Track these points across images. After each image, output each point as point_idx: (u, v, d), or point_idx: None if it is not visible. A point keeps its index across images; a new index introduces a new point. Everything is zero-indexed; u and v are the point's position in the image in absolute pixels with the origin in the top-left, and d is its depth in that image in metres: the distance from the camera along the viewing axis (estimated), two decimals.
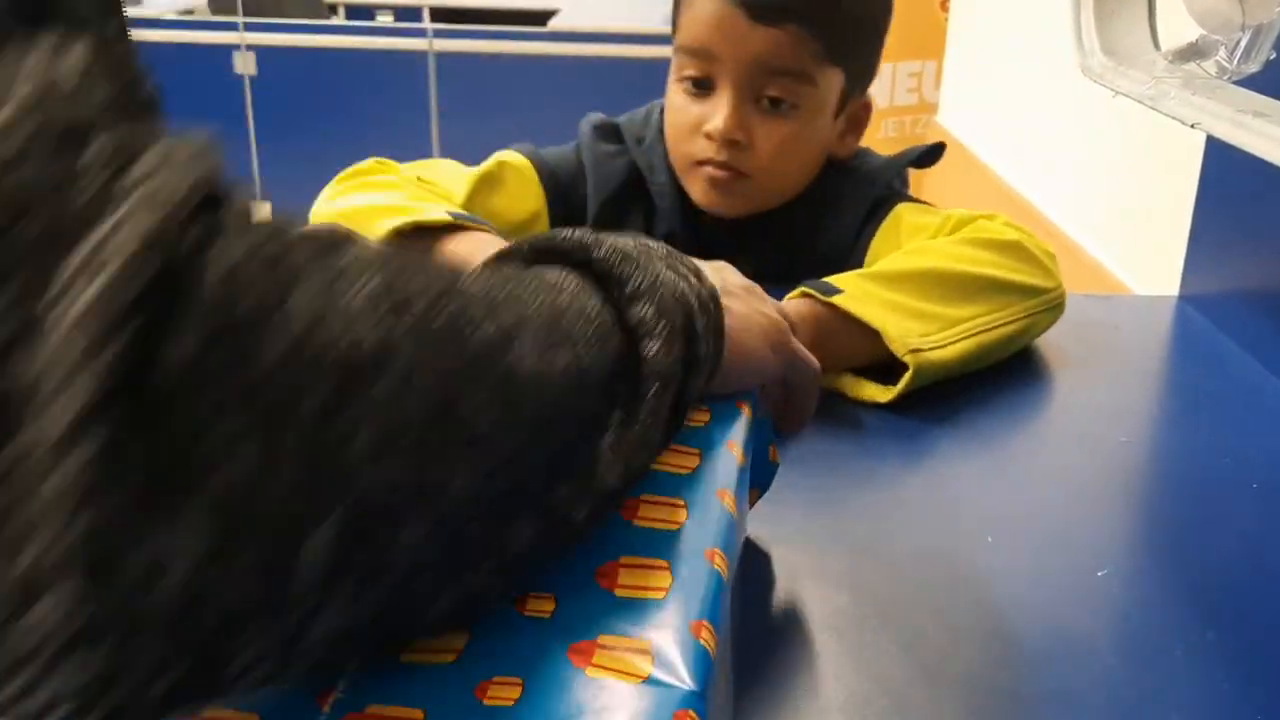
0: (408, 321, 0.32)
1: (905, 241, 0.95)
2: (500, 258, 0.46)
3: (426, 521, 0.32)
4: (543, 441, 0.37)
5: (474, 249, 0.84)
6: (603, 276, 0.44)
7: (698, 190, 1.00)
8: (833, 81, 0.97)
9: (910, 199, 1.02)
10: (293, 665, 0.31)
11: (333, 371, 0.29)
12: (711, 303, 0.49)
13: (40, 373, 0.25)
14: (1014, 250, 0.89)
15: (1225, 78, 0.67)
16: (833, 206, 1.01)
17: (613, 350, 0.41)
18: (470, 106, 3.91)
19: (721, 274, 0.55)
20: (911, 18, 3.14)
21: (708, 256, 1.01)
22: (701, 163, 0.98)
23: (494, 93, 3.88)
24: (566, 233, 0.45)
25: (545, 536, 0.38)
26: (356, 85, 3.90)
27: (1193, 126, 0.61)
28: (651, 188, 1.03)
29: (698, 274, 0.49)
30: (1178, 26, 0.77)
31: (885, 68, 3.20)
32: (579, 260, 0.44)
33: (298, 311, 0.29)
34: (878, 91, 3.21)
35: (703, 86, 0.97)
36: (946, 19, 2.63)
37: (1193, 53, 0.70)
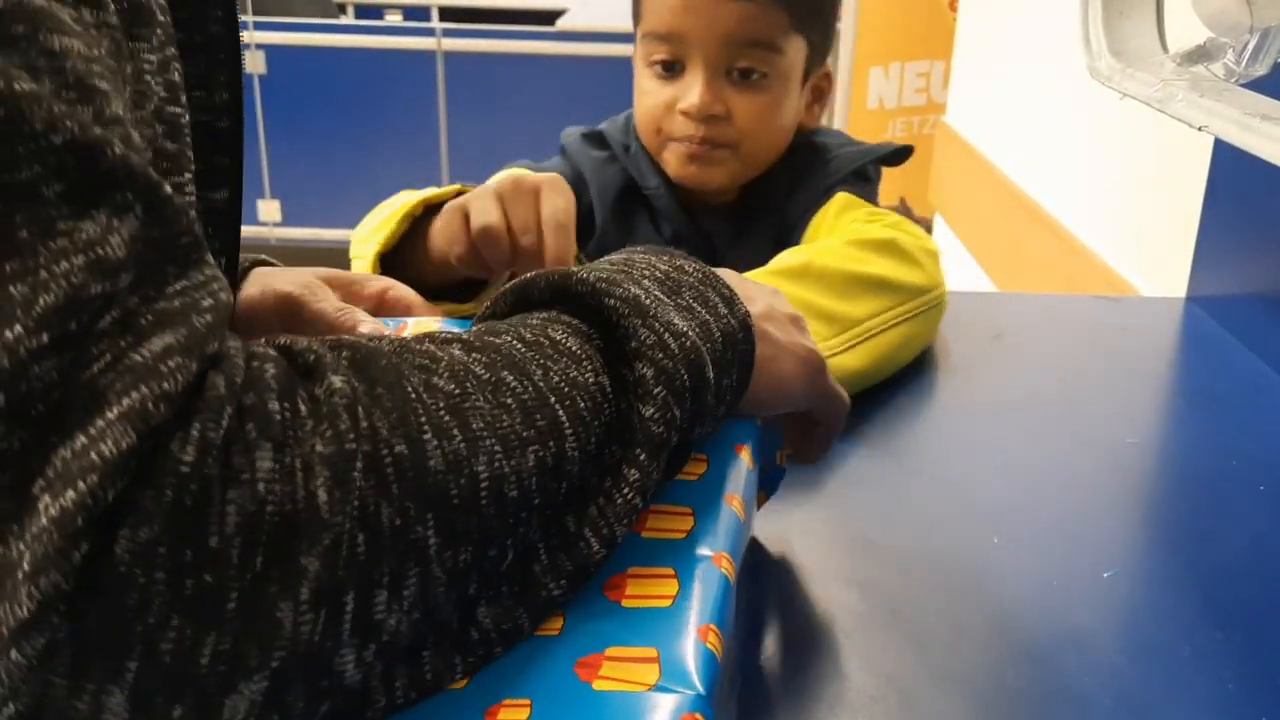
0: (357, 475, 0.33)
1: (830, 229, 0.97)
2: (516, 294, 0.46)
3: (368, 652, 0.34)
4: (507, 537, 0.38)
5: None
6: (610, 326, 0.44)
7: (674, 164, 1.01)
8: (798, 50, 1.00)
9: (860, 188, 1.03)
10: None
11: (275, 539, 0.31)
12: (741, 332, 0.49)
13: (21, 554, 0.28)
14: (889, 248, 0.89)
15: (1233, 80, 0.67)
16: (806, 188, 1.03)
17: (607, 416, 0.42)
18: (478, 105, 3.91)
19: (771, 300, 0.55)
20: (920, 18, 3.14)
21: (710, 251, 1.02)
22: (678, 139, 1.00)
23: (502, 92, 3.88)
24: (582, 274, 0.45)
25: (514, 617, 0.38)
26: (365, 84, 3.91)
27: (1200, 129, 0.62)
28: (646, 192, 1.05)
29: (730, 301, 0.49)
30: (1186, 29, 0.77)
31: (893, 67, 3.20)
32: (589, 304, 0.44)
33: (248, 487, 0.31)
34: (886, 92, 3.22)
35: (672, 69, 1.00)
36: (955, 19, 2.63)
37: (1200, 55, 0.70)
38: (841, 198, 0.99)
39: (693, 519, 0.44)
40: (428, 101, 3.92)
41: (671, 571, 0.41)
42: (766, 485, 0.59)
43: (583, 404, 0.41)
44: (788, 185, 1.04)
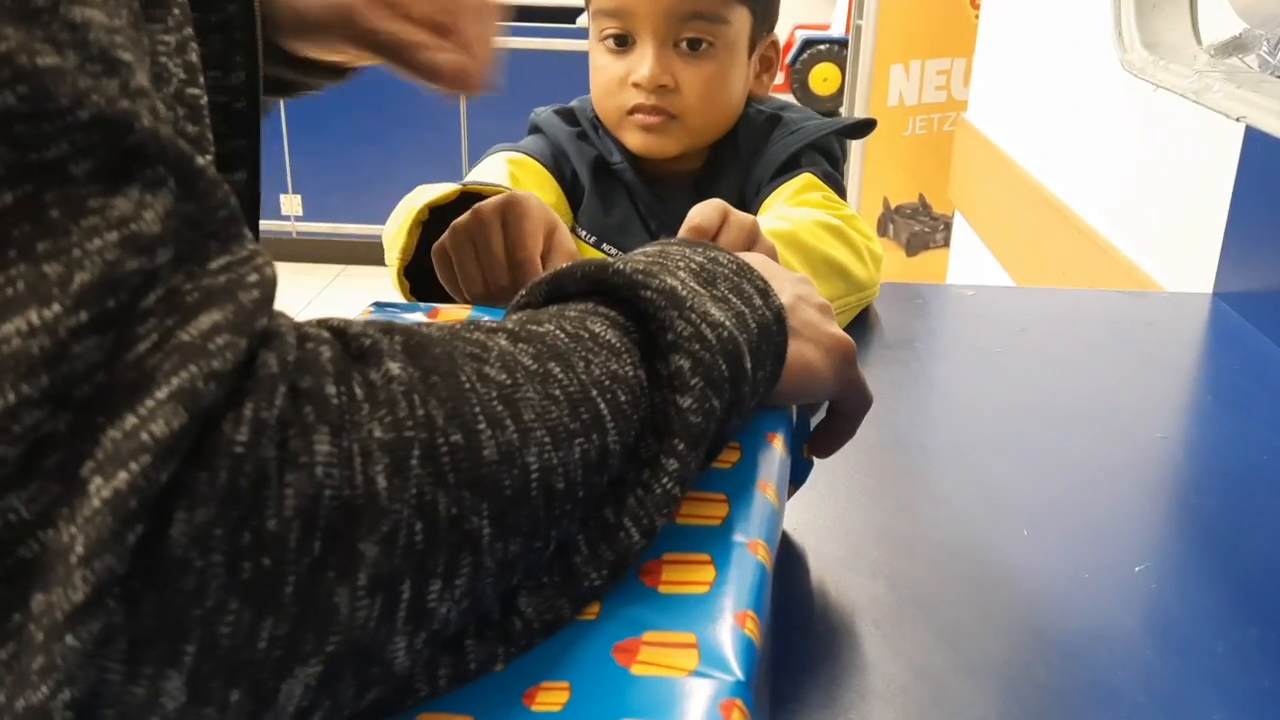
0: (417, 454, 0.33)
1: (785, 205, 0.99)
2: (552, 284, 0.46)
3: (419, 640, 0.34)
4: (552, 529, 0.38)
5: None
6: (646, 318, 0.43)
7: (633, 138, 1.05)
8: (742, 20, 1.04)
9: (825, 164, 1.04)
10: None
11: (333, 524, 0.30)
12: (775, 324, 0.48)
13: (74, 537, 0.27)
14: (844, 237, 0.92)
15: (1268, 72, 0.67)
16: (767, 159, 1.06)
17: (644, 410, 0.42)
18: (499, 102, 3.90)
19: (799, 289, 0.54)
20: (941, 16, 3.13)
21: (672, 223, 1.04)
22: (631, 111, 1.04)
23: (523, 88, 3.88)
24: (620, 265, 0.45)
25: (555, 607, 0.38)
26: (387, 80, 3.91)
27: (1238, 120, 0.61)
28: (614, 168, 1.09)
29: (764, 293, 0.49)
30: (1219, 21, 0.76)
31: (914, 65, 3.19)
32: (626, 296, 0.44)
33: (306, 471, 0.30)
34: (906, 90, 3.21)
35: (623, 43, 1.03)
36: (976, 16, 2.62)
37: (1235, 47, 0.70)
38: (805, 178, 1.01)
39: (728, 506, 0.44)
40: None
41: (708, 558, 0.41)
42: (795, 477, 0.59)
43: (623, 397, 0.40)
44: (749, 156, 1.07)
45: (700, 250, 0.50)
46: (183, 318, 0.29)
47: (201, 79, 0.38)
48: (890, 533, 0.65)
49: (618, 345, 0.42)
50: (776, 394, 0.51)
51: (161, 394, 0.28)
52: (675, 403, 0.42)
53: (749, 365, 0.45)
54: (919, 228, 3.25)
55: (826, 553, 0.63)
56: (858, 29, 3.28)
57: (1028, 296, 1.18)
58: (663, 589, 0.39)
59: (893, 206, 3.25)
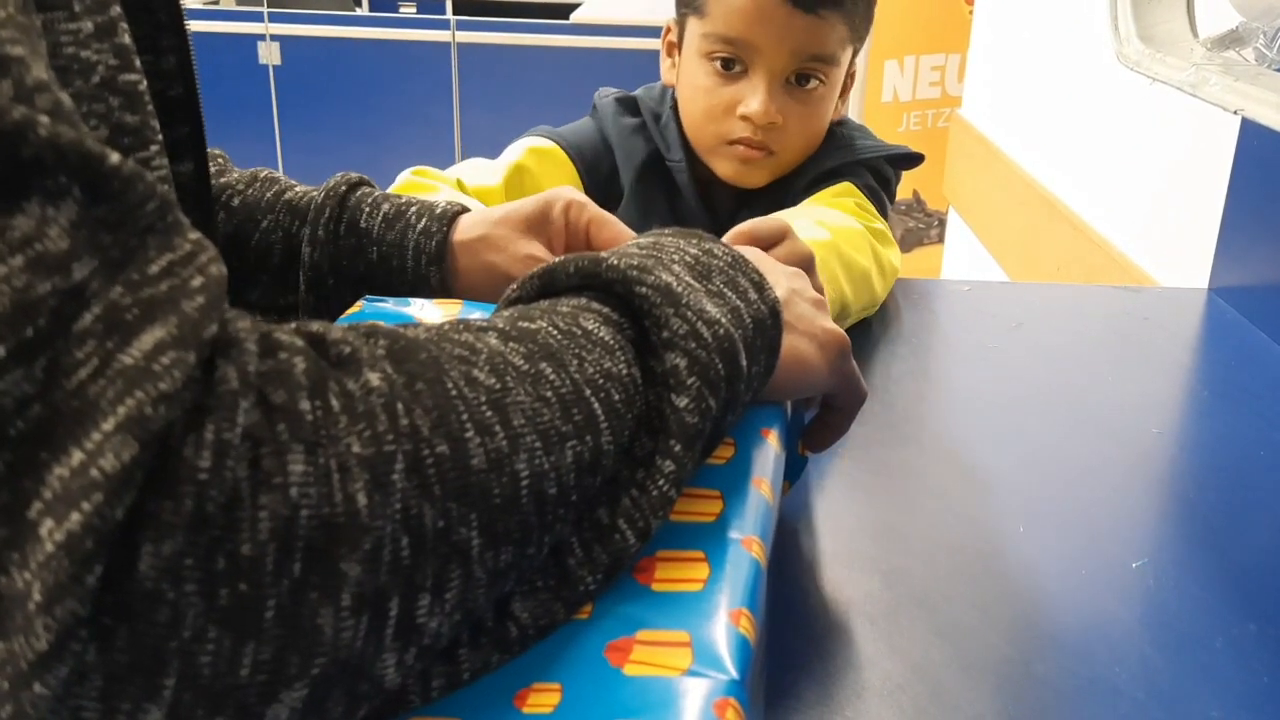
0: (400, 468, 0.31)
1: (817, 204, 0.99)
2: (544, 278, 0.45)
3: (409, 655, 0.33)
4: (545, 534, 0.37)
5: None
6: (640, 314, 0.43)
7: (727, 168, 1.04)
8: (849, 58, 1.03)
9: (868, 185, 1.04)
10: None
11: (312, 545, 0.29)
12: (770, 318, 0.48)
13: (29, 584, 0.26)
14: (873, 251, 0.92)
15: (1265, 65, 0.66)
16: (815, 171, 1.05)
17: (638, 408, 0.41)
18: (492, 98, 3.91)
19: (793, 283, 0.54)
20: (935, 12, 3.13)
21: (717, 225, 1.05)
22: (734, 142, 1.01)
23: (516, 84, 3.88)
24: (613, 260, 0.44)
25: (550, 611, 0.38)
26: (380, 75, 3.91)
27: (1235, 113, 0.61)
28: (669, 164, 1.07)
29: (760, 287, 0.48)
30: (1214, 14, 0.76)
31: (908, 60, 3.19)
32: (621, 292, 0.43)
33: (280, 491, 0.29)
34: (900, 86, 3.20)
35: (730, 67, 1.00)
36: (970, 12, 2.62)
37: (1232, 40, 0.69)
38: (843, 185, 1.01)
39: (722, 502, 0.43)
40: (442, 94, 3.92)
41: (702, 555, 0.40)
42: (790, 473, 0.58)
43: (617, 395, 0.40)
44: (801, 169, 1.06)
45: (695, 242, 0.49)
46: (122, 338, 0.27)
47: (136, 62, 0.36)
48: (886, 528, 0.65)
49: (611, 342, 0.41)
50: (771, 388, 0.50)
51: (108, 425, 0.26)
52: (671, 402, 0.41)
53: (744, 362, 0.44)
54: (913, 224, 3.25)
55: (822, 549, 0.62)
56: None
57: (1024, 291, 1.18)
58: (656, 586, 0.39)
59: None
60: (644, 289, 0.42)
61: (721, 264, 0.48)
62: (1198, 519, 0.69)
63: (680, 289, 0.43)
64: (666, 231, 0.51)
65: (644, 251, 0.46)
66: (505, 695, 0.35)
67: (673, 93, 1.08)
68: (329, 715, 0.31)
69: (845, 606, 0.57)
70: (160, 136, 0.37)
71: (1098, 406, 0.83)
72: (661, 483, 0.40)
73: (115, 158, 0.29)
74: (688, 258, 0.47)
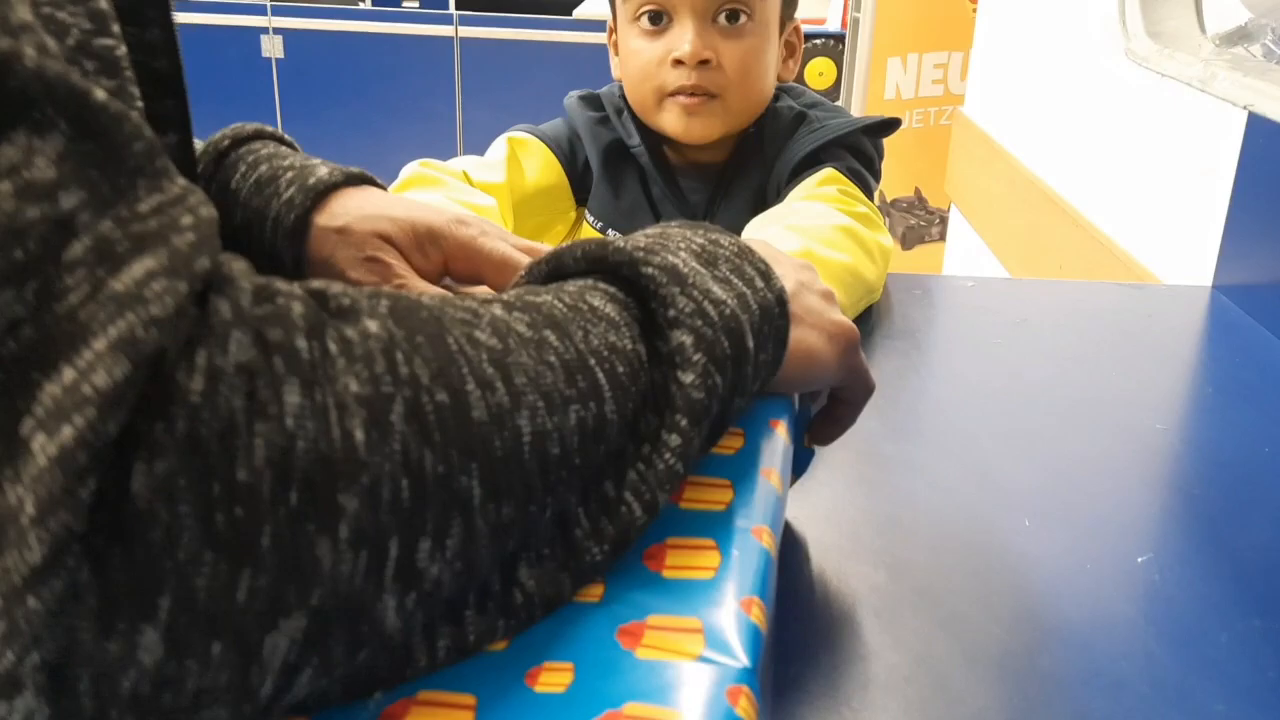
0: (399, 411, 0.32)
1: (801, 197, 0.99)
2: (551, 263, 0.46)
3: (409, 599, 0.33)
4: (548, 495, 0.37)
5: None
6: (647, 295, 0.43)
7: (671, 121, 1.04)
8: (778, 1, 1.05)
9: (851, 168, 1.04)
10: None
11: (309, 476, 0.30)
12: (777, 307, 0.48)
13: (21, 498, 0.26)
14: (857, 237, 0.92)
15: (1273, 61, 0.66)
16: (789, 155, 1.06)
17: (643, 384, 0.41)
18: (494, 93, 3.91)
19: (801, 275, 0.53)
20: (938, 9, 3.13)
21: (690, 213, 1.06)
22: (673, 94, 1.03)
23: (518, 79, 3.88)
24: (620, 244, 0.44)
25: (556, 581, 0.38)
26: (382, 70, 3.91)
27: (1245, 108, 0.61)
28: (633, 152, 1.08)
29: (766, 276, 0.48)
30: (1222, 10, 0.76)
31: (911, 58, 3.19)
32: (627, 275, 0.43)
33: (275, 422, 0.29)
34: (903, 83, 3.20)
35: (658, 21, 1.03)
36: (974, 10, 2.62)
37: (1240, 36, 0.69)
38: (827, 172, 1.01)
39: (732, 491, 0.43)
40: (444, 89, 3.92)
41: (712, 543, 0.40)
42: (796, 466, 0.58)
43: (621, 368, 0.40)
44: (773, 152, 1.07)
45: (701, 232, 0.49)
46: (113, 266, 0.28)
47: (115, 28, 0.36)
48: (892, 522, 0.65)
49: (616, 319, 0.42)
50: (779, 381, 0.50)
51: (100, 345, 0.27)
52: (677, 378, 0.41)
53: (751, 345, 0.45)
54: (914, 221, 3.25)
55: (828, 542, 0.62)
56: (855, 22, 3.27)
57: (1027, 288, 1.18)
58: (667, 573, 0.39)
59: (888, 200, 3.25)
60: (650, 269, 0.43)
61: (728, 253, 0.48)
62: (1202, 515, 0.69)
63: (686, 271, 0.44)
64: (674, 224, 0.51)
65: (650, 238, 0.47)
66: (517, 673, 0.35)
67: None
68: (329, 654, 0.31)
69: (850, 599, 0.57)
70: (140, 104, 0.37)
71: (1102, 402, 0.83)
72: (669, 457, 0.40)
73: (102, 95, 0.29)
74: (694, 245, 0.47)
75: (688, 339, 0.42)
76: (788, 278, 0.51)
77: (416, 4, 4.38)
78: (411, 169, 0.95)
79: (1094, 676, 0.52)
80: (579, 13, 4.18)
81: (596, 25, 3.91)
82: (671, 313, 0.42)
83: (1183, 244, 1.26)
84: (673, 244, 0.46)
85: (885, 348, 0.90)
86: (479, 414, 0.34)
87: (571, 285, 0.43)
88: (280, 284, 0.32)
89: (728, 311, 0.43)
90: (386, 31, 3.91)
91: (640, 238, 0.47)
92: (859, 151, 1.05)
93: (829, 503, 0.66)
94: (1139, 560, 0.62)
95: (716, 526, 0.41)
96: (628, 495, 0.39)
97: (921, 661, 0.52)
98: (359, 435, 0.31)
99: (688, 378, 0.41)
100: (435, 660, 0.35)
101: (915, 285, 1.04)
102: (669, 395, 0.41)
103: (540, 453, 0.36)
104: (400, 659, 0.34)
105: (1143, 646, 0.55)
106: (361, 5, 4.34)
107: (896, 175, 3.22)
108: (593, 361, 0.39)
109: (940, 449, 0.75)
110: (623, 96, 1.10)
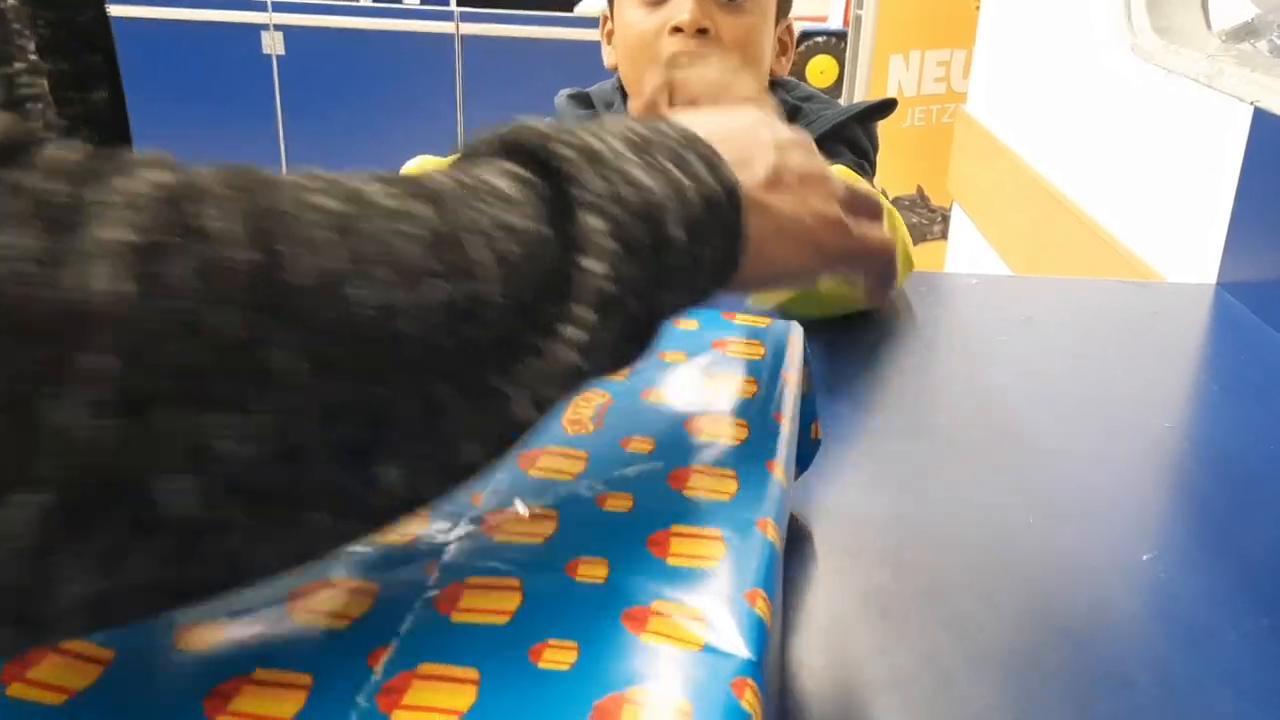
0: (184, 265, 0.28)
1: None
2: (464, 149, 0.42)
3: (199, 479, 0.29)
4: (401, 376, 0.33)
5: None
6: (560, 177, 0.39)
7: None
8: None
9: (852, 162, 1.03)
10: (49, 631, 0.29)
11: (44, 330, 0.26)
12: (726, 199, 0.43)
13: None
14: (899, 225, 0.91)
15: None
16: None
17: (545, 268, 0.37)
18: (495, 90, 3.90)
19: (778, 159, 0.47)
20: (941, 7, 3.12)
21: None
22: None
23: (519, 76, 3.87)
24: (539, 126, 0.40)
25: (426, 479, 0.34)
26: (383, 66, 3.91)
27: (1252, 104, 0.60)
28: None
29: (713, 167, 0.43)
30: (1229, 6, 0.76)
31: (913, 56, 3.18)
32: (541, 157, 0.39)
33: (8, 265, 0.26)
34: (905, 81, 3.20)
35: None
36: (977, 7, 2.61)
37: (1247, 32, 0.69)
38: (841, 170, 0.99)
39: (736, 483, 0.43)
40: (445, 85, 3.91)
41: (717, 533, 0.40)
42: (801, 459, 0.58)
43: (516, 249, 0.36)
44: None
45: (650, 124, 0.44)
46: None
47: None
48: (895, 520, 0.65)
49: (517, 197, 0.37)
50: (745, 279, 0.45)
51: None
52: (579, 264, 0.37)
53: (679, 235, 0.40)
54: (917, 219, 3.25)
55: (831, 540, 0.62)
56: (857, 19, 3.27)
57: (1031, 286, 1.17)
58: (671, 561, 0.39)
59: (890, 198, 3.25)
60: (564, 148, 0.39)
61: (670, 141, 0.43)
62: (1208, 513, 0.69)
63: (606, 153, 0.40)
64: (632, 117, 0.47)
65: (581, 125, 0.42)
66: (521, 648, 0.35)
67: (618, 78, 1.10)
68: (95, 540, 0.28)
69: (854, 597, 0.57)
70: (33, 57, 0.35)
71: (1108, 400, 0.83)
72: (562, 349, 0.36)
73: None
74: (629, 134, 0.42)
75: (598, 223, 0.38)
76: (752, 166, 0.46)
77: (418, 1, 4.38)
78: (414, 164, 0.95)
79: (1101, 676, 0.52)
80: (580, 10, 4.17)
81: (598, 23, 3.90)
82: (581, 193, 0.38)
83: (1187, 241, 1.25)
84: (603, 131, 0.42)
85: (889, 345, 0.90)
86: (295, 278, 0.30)
87: (476, 165, 0.39)
88: (59, 139, 0.29)
89: (651, 198, 0.39)
90: (388, 28, 3.91)
91: (568, 124, 0.42)
92: (855, 145, 1.05)
93: (832, 501, 0.65)
94: (1145, 558, 0.61)
95: (721, 516, 0.41)
96: (510, 389, 0.35)
97: (926, 660, 0.52)
98: (104, 284, 0.27)
99: (595, 265, 0.37)
100: (274, 565, 0.32)
101: (920, 283, 1.03)
102: (569, 280, 0.37)
103: (386, 328, 0.32)
104: (224, 562, 0.31)
105: (1149, 645, 0.54)
106: (363, 2, 4.33)
107: (898, 173, 3.22)
108: (476, 238, 0.35)
109: (945, 447, 0.75)
110: (616, 90, 1.09)
